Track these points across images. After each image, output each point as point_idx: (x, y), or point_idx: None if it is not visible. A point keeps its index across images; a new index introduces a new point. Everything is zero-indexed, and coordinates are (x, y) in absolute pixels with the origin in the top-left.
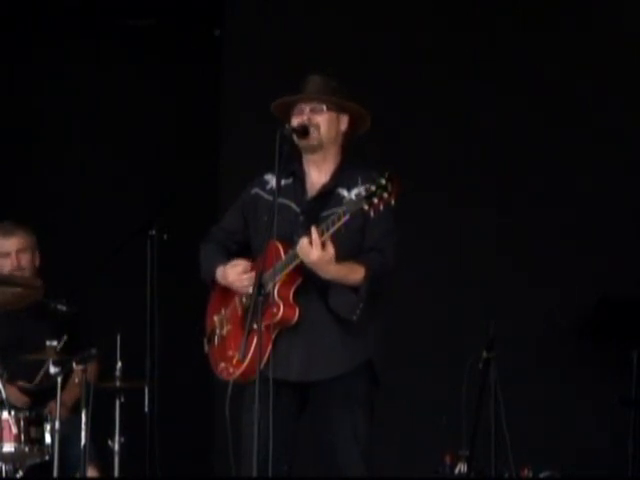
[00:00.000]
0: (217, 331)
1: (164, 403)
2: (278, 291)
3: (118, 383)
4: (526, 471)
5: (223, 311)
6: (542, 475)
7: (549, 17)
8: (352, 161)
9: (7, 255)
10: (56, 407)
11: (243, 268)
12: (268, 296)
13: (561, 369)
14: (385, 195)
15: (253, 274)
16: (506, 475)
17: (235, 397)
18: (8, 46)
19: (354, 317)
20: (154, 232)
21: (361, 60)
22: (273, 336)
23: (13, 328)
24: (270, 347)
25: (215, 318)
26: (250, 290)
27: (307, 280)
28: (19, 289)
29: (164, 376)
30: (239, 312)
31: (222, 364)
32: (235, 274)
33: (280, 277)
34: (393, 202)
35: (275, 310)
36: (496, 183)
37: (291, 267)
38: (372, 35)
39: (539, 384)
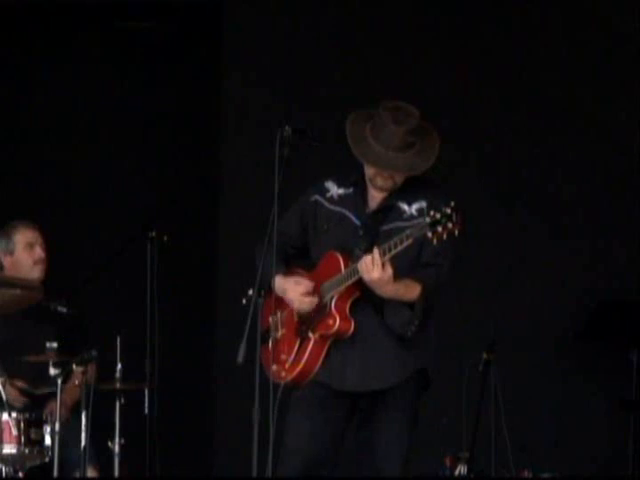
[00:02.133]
0: (272, 333)
1: (164, 404)
2: (335, 303)
3: (118, 385)
4: (526, 472)
5: (279, 313)
6: (542, 476)
7: (549, 17)
8: (413, 176)
9: (31, 246)
10: (56, 408)
11: (305, 288)
12: (325, 307)
13: (561, 371)
14: (450, 225)
15: (315, 298)
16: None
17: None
18: (9, 46)
19: (409, 333)
20: (154, 234)
21: (361, 61)
22: (327, 346)
23: (13, 330)
24: (323, 356)
25: (270, 319)
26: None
27: (364, 294)
28: (18, 291)
29: (164, 378)
30: (295, 318)
31: (275, 367)
32: (296, 293)
33: (339, 290)
34: (457, 233)
35: (331, 322)
36: (496, 183)
37: (350, 282)
38: (372, 36)
39: (539, 385)
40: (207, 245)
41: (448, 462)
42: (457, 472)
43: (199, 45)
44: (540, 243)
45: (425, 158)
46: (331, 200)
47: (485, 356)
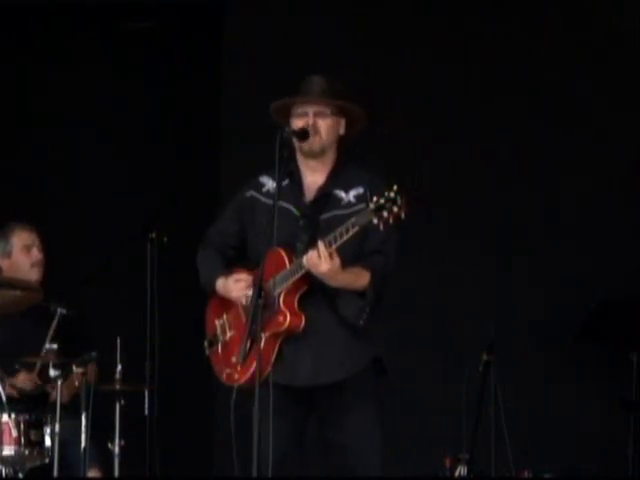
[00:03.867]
0: (220, 337)
1: (164, 406)
2: (284, 300)
3: (118, 386)
4: (526, 473)
5: (225, 316)
6: (542, 476)
7: (549, 17)
8: (347, 161)
9: (29, 248)
10: (57, 406)
11: (246, 284)
12: (273, 304)
13: (561, 371)
14: (395, 209)
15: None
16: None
17: (240, 402)
18: (9, 46)
19: (361, 322)
20: (154, 235)
21: (361, 61)
22: (278, 343)
23: (13, 331)
24: (275, 354)
25: (217, 322)
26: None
27: (313, 286)
28: (18, 292)
29: (164, 379)
30: (243, 318)
31: (227, 370)
32: (238, 289)
33: (285, 286)
34: (403, 216)
35: (281, 319)
36: (496, 184)
37: (297, 277)
38: (372, 36)
39: (539, 386)
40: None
41: (448, 463)
42: (457, 473)
43: (199, 45)
44: (540, 243)
45: (351, 105)
46: (267, 194)
47: (485, 357)
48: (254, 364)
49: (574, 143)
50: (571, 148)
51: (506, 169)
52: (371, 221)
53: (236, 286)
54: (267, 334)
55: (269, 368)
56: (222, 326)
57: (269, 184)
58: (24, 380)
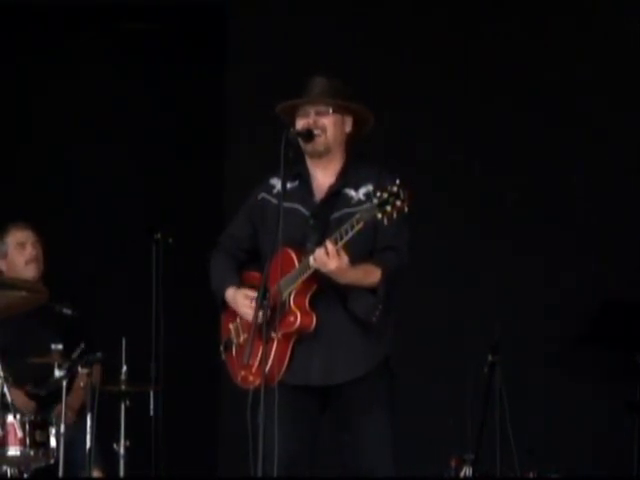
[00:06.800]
0: (234, 340)
1: (169, 406)
2: (294, 299)
3: (123, 386)
4: (531, 474)
5: (238, 319)
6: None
7: (549, 17)
8: (356, 159)
9: (22, 246)
10: (62, 409)
11: (254, 301)
12: (284, 304)
13: (566, 372)
14: (398, 203)
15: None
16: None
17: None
18: (9, 46)
19: (373, 319)
20: (159, 236)
21: (361, 61)
22: (291, 344)
23: (18, 332)
24: (289, 354)
25: (230, 326)
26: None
27: (323, 285)
28: (24, 293)
29: (169, 379)
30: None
31: (242, 373)
32: (247, 306)
33: (295, 285)
34: (406, 209)
35: (292, 319)
36: (497, 184)
37: (306, 276)
38: (372, 36)
39: (544, 387)
40: (212, 247)
41: (453, 463)
42: (462, 474)
43: (200, 46)
44: (545, 243)
45: (353, 103)
46: (278, 196)
47: (490, 358)
48: (269, 365)
49: (574, 143)
50: (571, 148)
51: (506, 169)
52: (375, 216)
53: (245, 302)
54: (279, 335)
55: (284, 368)
56: (236, 329)
57: (279, 185)
58: (23, 404)
